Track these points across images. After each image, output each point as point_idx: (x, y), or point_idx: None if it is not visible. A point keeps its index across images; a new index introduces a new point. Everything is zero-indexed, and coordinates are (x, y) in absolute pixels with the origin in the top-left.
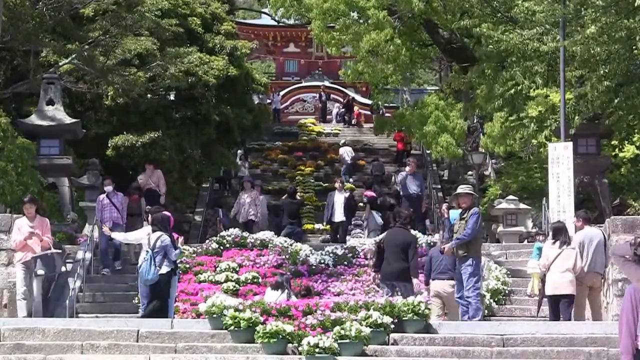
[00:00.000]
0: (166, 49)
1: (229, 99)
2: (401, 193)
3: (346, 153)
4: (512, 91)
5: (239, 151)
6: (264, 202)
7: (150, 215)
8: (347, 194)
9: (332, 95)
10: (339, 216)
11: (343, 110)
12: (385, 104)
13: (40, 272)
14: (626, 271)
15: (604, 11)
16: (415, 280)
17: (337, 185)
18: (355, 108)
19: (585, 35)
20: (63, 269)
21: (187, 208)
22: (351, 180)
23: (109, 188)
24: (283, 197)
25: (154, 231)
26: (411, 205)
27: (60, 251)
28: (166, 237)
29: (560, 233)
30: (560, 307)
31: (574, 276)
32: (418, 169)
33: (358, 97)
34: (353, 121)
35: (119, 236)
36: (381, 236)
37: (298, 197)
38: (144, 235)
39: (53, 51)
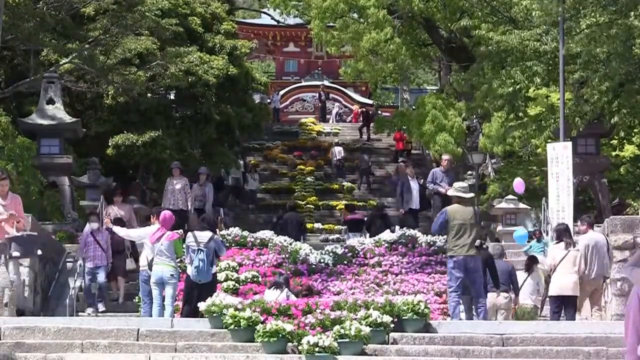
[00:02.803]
0: (166, 48)
1: (229, 98)
2: (429, 189)
3: (335, 154)
4: (511, 89)
5: (240, 161)
6: (210, 192)
7: (153, 215)
8: (420, 181)
9: (331, 95)
10: (417, 204)
11: (361, 122)
12: (385, 104)
13: (16, 253)
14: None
15: (602, 9)
16: (492, 294)
17: (408, 171)
18: (355, 107)
19: (582, 28)
20: (39, 252)
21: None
22: (339, 179)
23: (94, 225)
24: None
25: (202, 229)
26: (443, 203)
27: (35, 234)
28: (218, 237)
29: (564, 234)
30: (564, 308)
31: (578, 278)
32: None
33: (357, 97)
34: (369, 135)
35: (121, 231)
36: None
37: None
38: (148, 234)
39: (53, 50)
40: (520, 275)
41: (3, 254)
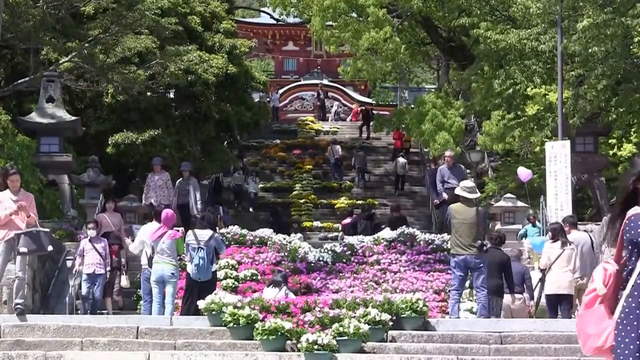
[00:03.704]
0: (166, 47)
1: (228, 97)
2: (442, 187)
3: (333, 152)
4: (511, 90)
5: (240, 165)
6: (195, 187)
7: (155, 213)
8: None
9: (330, 94)
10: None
11: (360, 121)
12: (384, 103)
13: (23, 249)
14: None
15: (600, 9)
16: (507, 296)
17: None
18: (355, 105)
19: (580, 29)
20: (50, 248)
21: None
22: (337, 176)
23: (92, 232)
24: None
25: (203, 227)
26: (452, 200)
27: (47, 230)
28: (219, 235)
29: (558, 233)
30: (560, 306)
31: (573, 276)
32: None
33: (356, 96)
34: (369, 133)
35: (130, 246)
36: None
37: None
38: (147, 232)
39: (53, 49)
40: (535, 275)
41: (13, 249)
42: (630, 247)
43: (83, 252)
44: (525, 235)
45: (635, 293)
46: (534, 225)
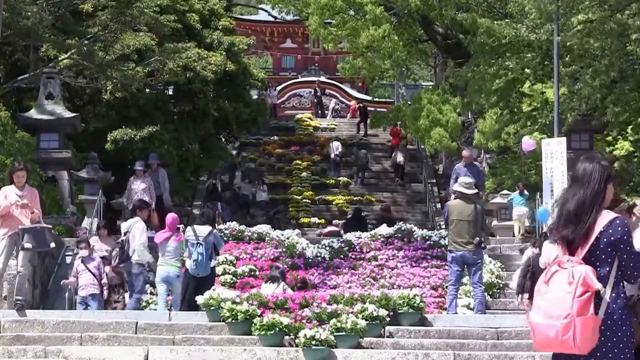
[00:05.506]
0: (165, 44)
1: (226, 94)
2: (449, 191)
3: (332, 149)
4: (502, 84)
5: (238, 172)
6: (164, 178)
7: (133, 209)
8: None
9: (328, 91)
10: None
11: (358, 118)
12: (381, 99)
13: (28, 245)
14: None
15: (597, 5)
16: None
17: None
18: (353, 102)
19: (575, 24)
20: (52, 245)
21: (185, 201)
22: (334, 174)
23: (84, 252)
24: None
25: (202, 224)
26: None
27: (50, 226)
28: (217, 232)
29: None
30: None
31: None
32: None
33: (354, 93)
34: (366, 130)
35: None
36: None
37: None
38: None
39: (53, 46)
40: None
41: (16, 244)
42: (609, 249)
43: (77, 273)
44: (512, 204)
45: (618, 300)
46: (521, 194)
